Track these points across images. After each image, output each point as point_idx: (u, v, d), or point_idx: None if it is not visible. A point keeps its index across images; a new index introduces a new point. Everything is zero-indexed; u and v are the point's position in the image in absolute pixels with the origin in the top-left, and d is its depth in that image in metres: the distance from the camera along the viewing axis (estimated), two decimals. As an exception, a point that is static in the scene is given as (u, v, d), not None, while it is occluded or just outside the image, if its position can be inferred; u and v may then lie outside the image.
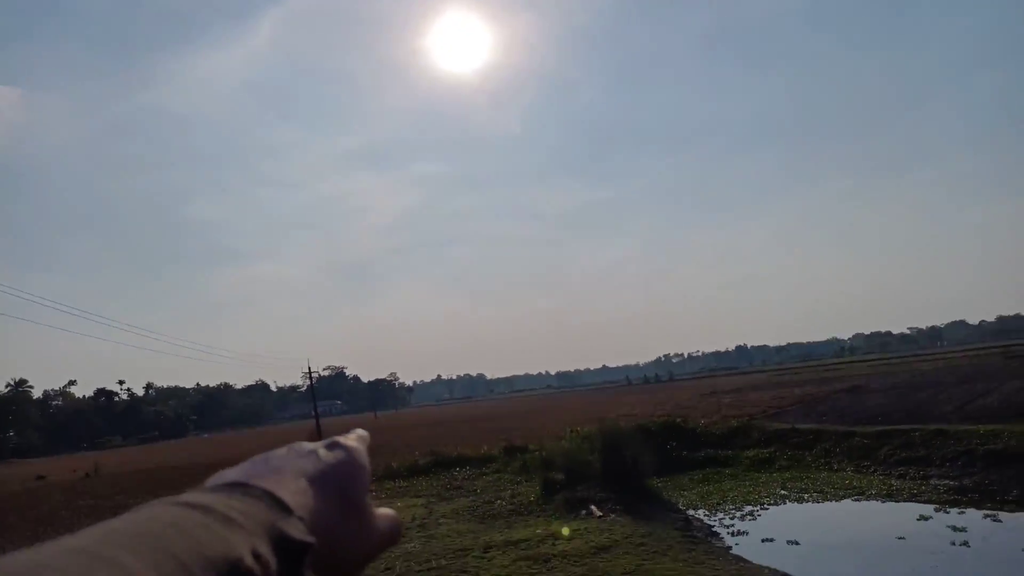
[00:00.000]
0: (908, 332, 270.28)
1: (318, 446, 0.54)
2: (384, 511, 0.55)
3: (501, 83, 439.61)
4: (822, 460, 17.89)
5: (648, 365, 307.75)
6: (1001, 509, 11.78)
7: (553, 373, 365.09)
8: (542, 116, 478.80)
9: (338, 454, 0.53)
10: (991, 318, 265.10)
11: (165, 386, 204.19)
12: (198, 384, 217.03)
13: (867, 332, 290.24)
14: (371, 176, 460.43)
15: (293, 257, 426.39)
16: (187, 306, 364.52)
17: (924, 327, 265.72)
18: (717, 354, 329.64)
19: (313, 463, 0.50)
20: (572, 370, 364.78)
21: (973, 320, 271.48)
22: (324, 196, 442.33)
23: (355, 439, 0.60)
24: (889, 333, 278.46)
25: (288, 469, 0.48)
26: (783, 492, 14.94)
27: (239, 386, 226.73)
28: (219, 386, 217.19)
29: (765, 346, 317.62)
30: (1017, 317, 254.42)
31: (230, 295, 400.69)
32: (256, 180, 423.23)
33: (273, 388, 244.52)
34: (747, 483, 16.43)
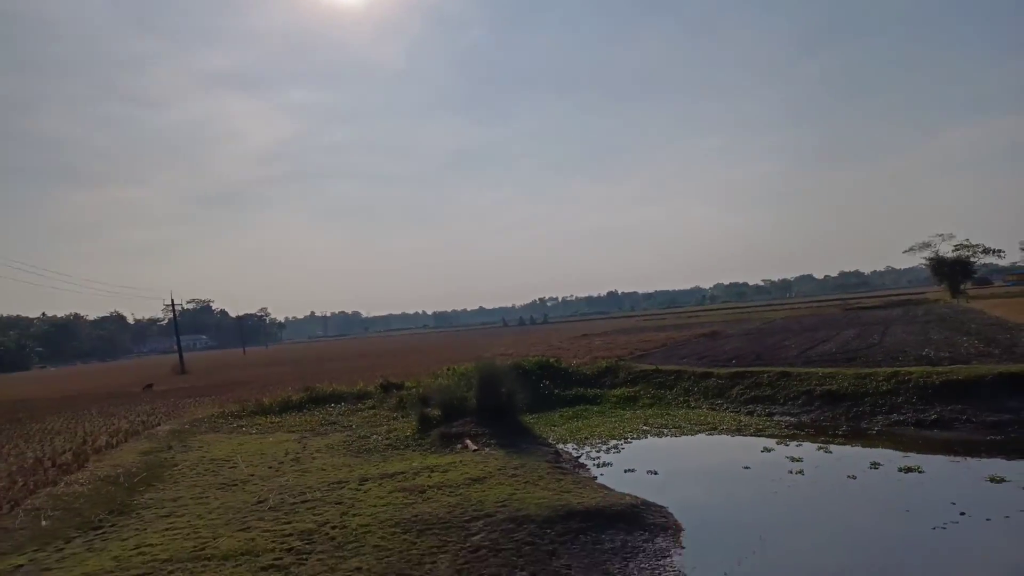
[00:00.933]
0: (762, 283, 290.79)
1: None
2: None
3: (387, 13, 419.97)
4: (681, 398, 19.24)
5: (524, 308, 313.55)
6: (832, 442, 13.22)
7: (430, 313, 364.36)
8: (428, 52, 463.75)
9: None
10: (834, 273, 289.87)
11: (5, 315, 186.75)
12: (43, 314, 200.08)
13: (726, 282, 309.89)
14: (242, 100, 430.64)
15: (155, 181, 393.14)
16: (31, 228, 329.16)
17: (776, 279, 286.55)
18: (590, 299, 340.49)
19: None
20: (449, 310, 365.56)
21: (819, 275, 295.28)
22: (189, 118, 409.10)
23: None
24: (746, 284, 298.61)
25: None
26: (645, 428, 15.97)
27: (92, 317, 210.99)
28: (68, 316, 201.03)
29: (635, 292, 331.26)
30: (855, 273, 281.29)
31: (82, 219, 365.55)
32: (113, 95, 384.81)
33: (130, 320, 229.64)
34: (613, 419, 17.41)
